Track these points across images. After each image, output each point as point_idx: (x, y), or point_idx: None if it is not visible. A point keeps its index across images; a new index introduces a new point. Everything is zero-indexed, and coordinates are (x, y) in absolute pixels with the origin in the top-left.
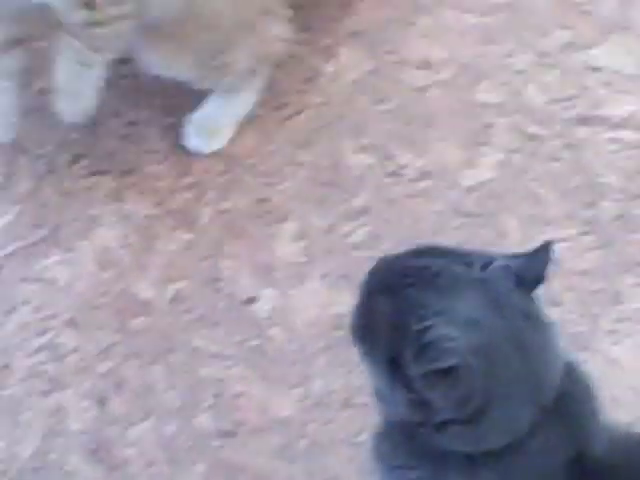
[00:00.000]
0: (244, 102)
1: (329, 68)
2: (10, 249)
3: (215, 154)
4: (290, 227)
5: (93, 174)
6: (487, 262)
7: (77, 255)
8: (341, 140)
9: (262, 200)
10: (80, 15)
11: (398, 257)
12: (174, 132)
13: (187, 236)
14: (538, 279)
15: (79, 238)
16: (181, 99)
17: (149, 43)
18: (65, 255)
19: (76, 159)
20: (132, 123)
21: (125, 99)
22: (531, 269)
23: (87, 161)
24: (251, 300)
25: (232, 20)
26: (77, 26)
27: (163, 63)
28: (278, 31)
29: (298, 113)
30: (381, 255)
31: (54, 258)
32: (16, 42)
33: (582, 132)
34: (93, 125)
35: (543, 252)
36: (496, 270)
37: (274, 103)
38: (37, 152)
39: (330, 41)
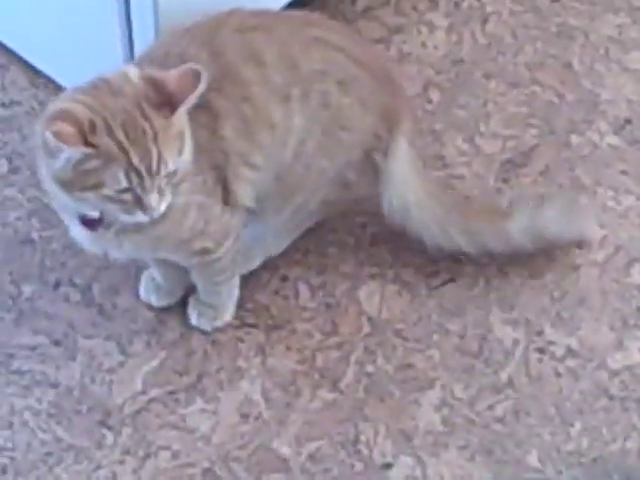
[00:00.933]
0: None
1: None
2: (153, 394)
3: (364, 316)
4: (433, 395)
5: (242, 326)
6: None
7: (219, 405)
8: (491, 311)
9: (407, 365)
10: (197, 260)
11: None
12: (324, 291)
13: (330, 395)
14: None
15: (222, 389)
16: (333, 258)
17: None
18: (207, 405)
19: None
20: (284, 278)
21: (279, 255)
22: None
23: (237, 312)
24: (388, 466)
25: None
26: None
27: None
28: None
29: (449, 282)
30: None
31: (196, 406)
32: None
33: None
34: (246, 277)
35: None
36: None
37: (426, 271)
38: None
39: None
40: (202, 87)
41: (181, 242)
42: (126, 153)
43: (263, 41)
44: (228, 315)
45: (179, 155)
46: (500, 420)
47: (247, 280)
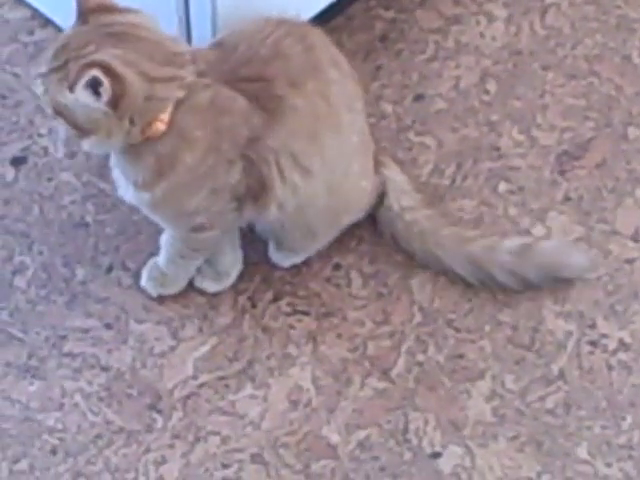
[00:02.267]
0: None
1: (538, 231)
2: (204, 379)
3: (416, 306)
4: (484, 385)
5: (294, 313)
6: None
7: (269, 392)
8: (543, 304)
9: (458, 356)
10: (187, 234)
11: None
12: (376, 279)
13: (380, 384)
14: None
15: (273, 375)
16: (386, 247)
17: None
18: (257, 391)
19: (278, 297)
20: (337, 266)
21: (333, 242)
22: None
23: (289, 300)
24: (436, 455)
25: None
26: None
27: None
28: None
29: None
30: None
31: (246, 392)
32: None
33: None
34: (299, 265)
35: None
36: None
37: None
38: (241, 286)
39: (542, 204)
40: None
41: (184, 212)
42: None
43: (338, 52)
44: (175, 288)
45: None
46: (551, 412)
47: (299, 268)
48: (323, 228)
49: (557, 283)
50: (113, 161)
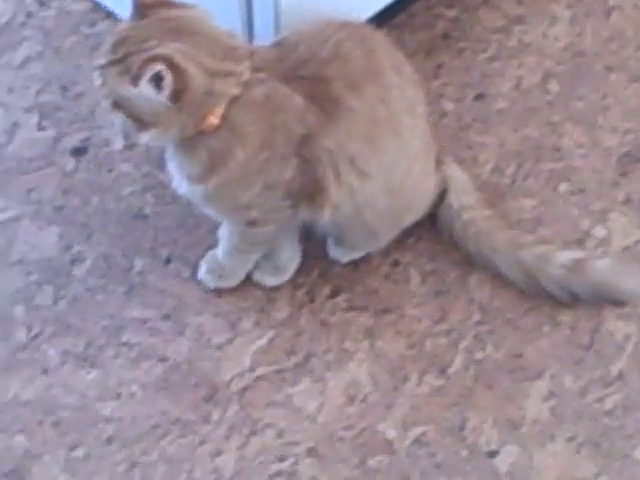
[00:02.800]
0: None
1: (599, 232)
2: (261, 372)
3: (474, 304)
4: (542, 385)
5: (351, 309)
6: None
7: (326, 386)
8: (603, 305)
9: (517, 355)
10: (241, 228)
11: None
12: (435, 277)
13: (437, 381)
14: None
15: (330, 369)
16: (445, 245)
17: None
18: (314, 385)
19: (336, 292)
20: (396, 263)
21: (392, 239)
22: None
23: (347, 295)
24: (493, 453)
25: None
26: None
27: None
28: None
29: None
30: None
31: (303, 386)
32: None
33: None
34: (357, 261)
35: None
36: None
37: None
38: (299, 280)
39: (603, 205)
40: None
41: (237, 207)
42: None
43: (400, 56)
44: (233, 281)
45: None
46: (609, 413)
47: (357, 263)
48: (384, 228)
49: (608, 302)
50: (168, 154)
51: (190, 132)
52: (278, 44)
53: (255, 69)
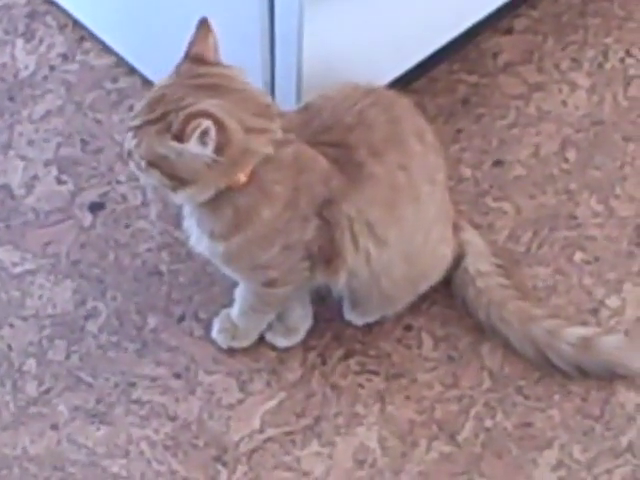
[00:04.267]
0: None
1: (614, 302)
2: (271, 433)
3: (486, 371)
4: (551, 455)
5: (363, 372)
6: None
7: (335, 450)
8: (615, 376)
9: (527, 423)
10: (259, 288)
11: None
12: (447, 343)
13: (446, 448)
14: None
15: (339, 433)
16: (458, 311)
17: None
18: (323, 448)
19: (348, 355)
20: (408, 328)
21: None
22: None
23: (359, 358)
24: None
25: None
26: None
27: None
28: None
29: None
30: None
31: (312, 449)
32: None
33: None
34: (370, 324)
35: None
36: None
37: None
38: (311, 342)
39: (618, 275)
40: None
41: (255, 266)
42: None
43: (424, 123)
44: (247, 341)
45: None
46: None
47: (370, 327)
48: (399, 295)
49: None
50: (187, 211)
51: (221, 189)
52: (304, 108)
53: (284, 129)
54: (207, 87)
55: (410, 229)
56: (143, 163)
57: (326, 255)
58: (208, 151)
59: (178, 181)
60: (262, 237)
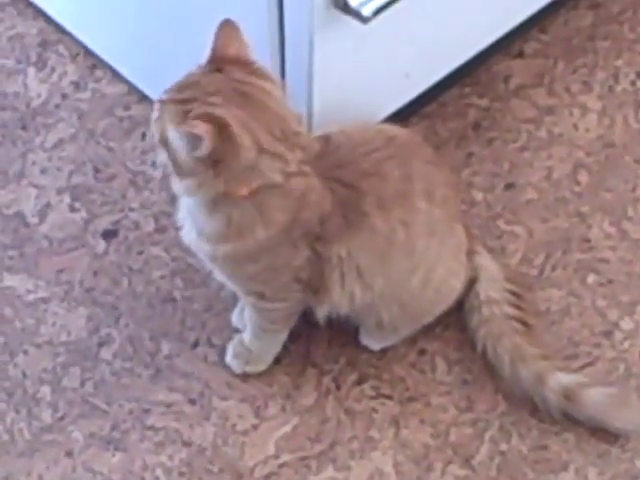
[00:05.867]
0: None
1: (627, 324)
2: (285, 459)
3: (500, 394)
4: (566, 478)
5: (377, 397)
6: None
7: (350, 474)
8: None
9: (542, 447)
10: (252, 300)
11: None
12: (461, 366)
13: (461, 472)
14: None
15: (354, 458)
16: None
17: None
18: (338, 473)
19: (362, 379)
20: (422, 352)
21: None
22: None
23: (373, 383)
24: None
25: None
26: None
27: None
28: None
29: (588, 365)
30: None
31: (327, 474)
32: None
33: None
34: (384, 349)
35: None
36: None
37: (565, 352)
38: (326, 367)
39: (631, 297)
40: None
41: (238, 276)
42: None
43: (438, 177)
44: (262, 365)
45: None
46: None
47: (384, 351)
48: (401, 327)
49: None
50: (184, 201)
51: (219, 194)
52: (324, 140)
53: (302, 161)
54: (242, 94)
55: (401, 278)
56: (156, 138)
57: (315, 284)
58: (190, 155)
59: (178, 169)
60: (249, 252)
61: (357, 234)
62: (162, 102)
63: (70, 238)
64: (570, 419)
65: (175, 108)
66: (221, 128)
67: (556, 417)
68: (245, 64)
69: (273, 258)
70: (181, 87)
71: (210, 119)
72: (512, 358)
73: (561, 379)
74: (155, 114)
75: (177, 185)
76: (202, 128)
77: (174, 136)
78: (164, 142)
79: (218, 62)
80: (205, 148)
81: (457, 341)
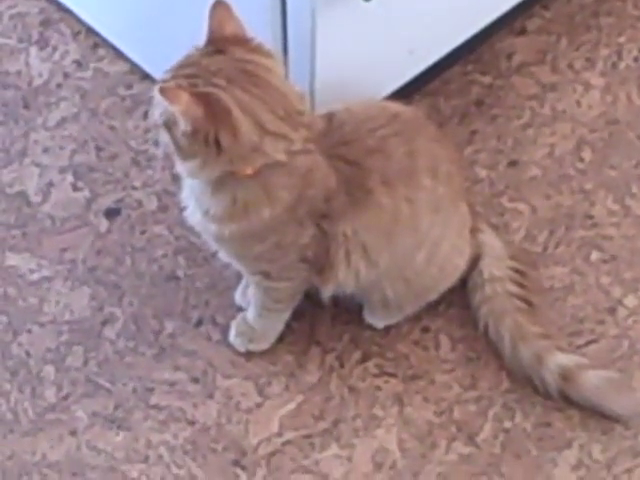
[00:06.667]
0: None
1: (631, 301)
2: (289, 437)
3: (504, 372)
4: (570, 455)
5: (381, 375)
6: None
7: (354, 452)
8: (633, 375)
9: (546, 424)
10: (257, 279)
11: None
12: (465, 344)
13: (465, 449)
14: None
15: (358, 436)
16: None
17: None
18: (342, 451)
19: (366, 357)
20: (426, 329)
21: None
22: None
23: (376, 361)
24: None
25: None
26: (255, 282)
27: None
28: None
29: (592, 342)
30: None
31: (330, 452)
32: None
33: None
34: (388, 327)
35: None
36: None
37: (569, 329)
38: (329, 345)
39: (635, 274)
40: None
41: (245, 255)
42: None
43: (442, 155)
44: (265, 344)
45: None
46: None
47: (388, 329)
48: (405, 304)
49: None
50: (187, 182)
51: (223, 174)
52: (328, 118)
53: (306, 139)
54: (245, 74)
55: (406, 255)
56: (160, 120)
57: (320, 263)
58: (167, 134)
59: (180, 151)
60: (255, 232)
61: (362, 211)
62: (163, 82)
63: (73, 217)
64: (568, 401)
65: (174, 82)
66: (222, 111)
67: (555, 398)
68: (244, 42)
69: (279, 237)
70: (182, 67)
71: (208, 100)
72: (513, 337)
73: (560, 360)
74: (155, 94)
75: (181, 167)
76: (182, 99)
77: (166, 112)
78: (168, 125)
79: (217, 43)
80: (184, 123)
81: (461, 319)
